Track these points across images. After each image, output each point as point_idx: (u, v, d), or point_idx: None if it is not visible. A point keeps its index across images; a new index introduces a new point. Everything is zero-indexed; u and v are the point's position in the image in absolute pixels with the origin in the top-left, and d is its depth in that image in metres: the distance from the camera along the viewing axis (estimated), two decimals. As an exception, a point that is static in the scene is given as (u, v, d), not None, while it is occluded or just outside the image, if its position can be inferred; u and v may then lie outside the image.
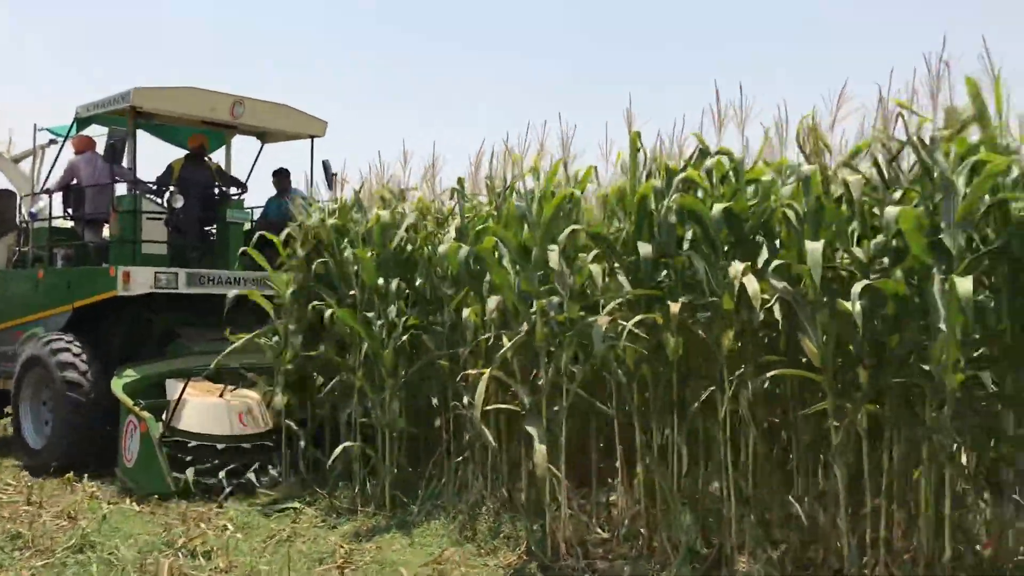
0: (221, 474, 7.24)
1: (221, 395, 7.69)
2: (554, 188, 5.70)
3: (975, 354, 4.61)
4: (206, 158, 9.70)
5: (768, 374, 4.85)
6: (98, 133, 9.44)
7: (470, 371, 5.91)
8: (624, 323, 5.15)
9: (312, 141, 9.70)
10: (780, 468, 5.43)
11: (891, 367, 4.60)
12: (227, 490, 7.09)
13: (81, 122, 9.23)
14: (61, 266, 9.26)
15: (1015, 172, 4.32)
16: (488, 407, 6.01)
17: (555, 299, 5.64)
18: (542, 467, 5.35)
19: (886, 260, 4.60)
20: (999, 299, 4.36)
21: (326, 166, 9.70)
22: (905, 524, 4.68)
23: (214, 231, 9.50)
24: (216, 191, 9.64)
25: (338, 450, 6.74)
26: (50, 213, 9.62)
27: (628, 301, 5.42)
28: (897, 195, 4.63)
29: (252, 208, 9.93)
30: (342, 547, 5.65)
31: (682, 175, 5.21)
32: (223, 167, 10.12)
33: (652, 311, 5.31)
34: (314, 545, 5.79)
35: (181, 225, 8.99)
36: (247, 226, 9.50)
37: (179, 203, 8.68)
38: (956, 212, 4.14)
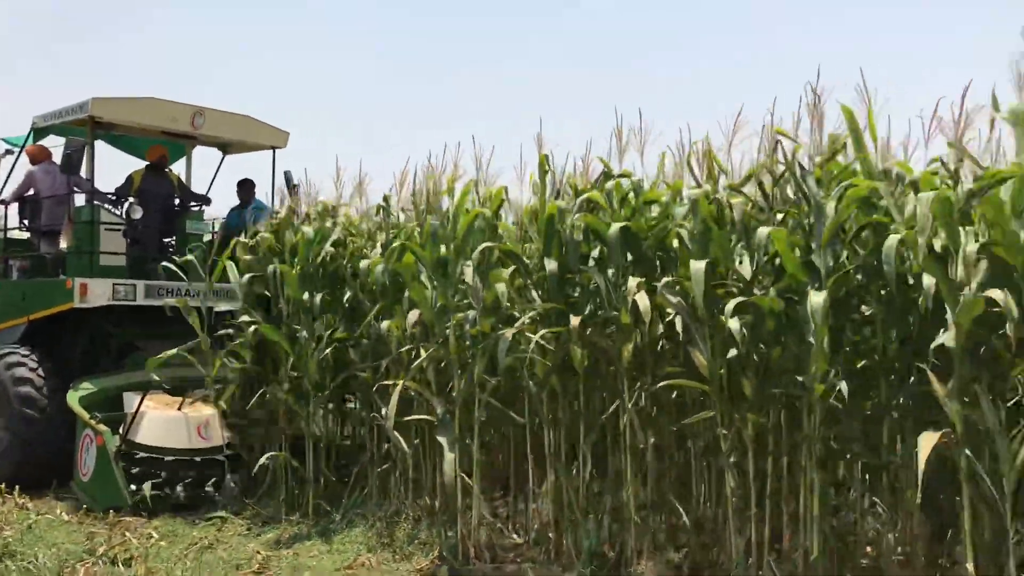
0: (179, 488, 7.19)
1: (180, 408, 7.62)
2: (468, 207, 5.94)
3: (859, 366, 4.95)
4: (167, 169, 9.64)
5: (658, 384, 5.12)
6: (56, 143, 9.33)
7: (386, 382, 6.12)
8: (531, 336, 5.43)
9: (274, 152, 9.69)
10: (685, 473, 5.73)
11: (774, 379, 4.91)
12: (146, 499, 7.00)
13: (39, 132, 9.17)
14: (17, 278, 9.20)
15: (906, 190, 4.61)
16: (409, 418, 6.25)
17: (471, 313, 5.88)
18: (450, 475, 5.58)
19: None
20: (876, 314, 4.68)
21: (288, 177, 9.55)
22: (792, 527, 4.98)
23: (174, 242, 9.41)
24: (177, 203, 9.55)
25: (263, 459, 6.90)
26: (5, 224, 9.55)
27: (541, 315, 5.69)
28: (779, 217, 4.94)
29: (213, 220, 9.87)
30: (259, 553, 5.83)
31: (584, 196, 5.48)
32: (184, 178, 10.03)
33: (560, 325, 5.57)
34: (234, 552, 5.96)
35: (140, 236, 8.94)
36: (207, 237, 9.46)
37: (138, 214, 8.63)
38: (824, 233, 4.45)
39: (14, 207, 9.59)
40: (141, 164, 9.58)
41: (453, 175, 6.04)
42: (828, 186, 4.74)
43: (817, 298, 4.17)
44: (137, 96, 8.67)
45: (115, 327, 8.62)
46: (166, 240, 9.41)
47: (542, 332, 5.38)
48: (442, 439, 5.70)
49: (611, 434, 5.72)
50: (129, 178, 9.20)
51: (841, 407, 4.74)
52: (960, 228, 4.08)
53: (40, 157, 9.44)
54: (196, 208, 9.81)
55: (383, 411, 6.09)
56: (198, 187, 10.25)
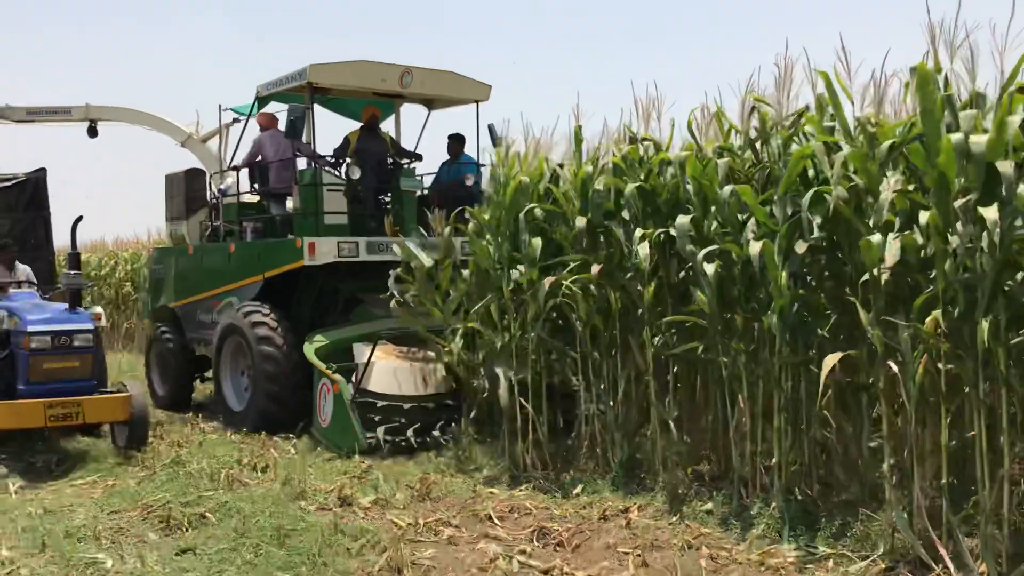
0: (409, 432, 7.69)
1: (406, 357, 8.05)
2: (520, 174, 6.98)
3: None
4: (378, 128, 10.07)
5: (663, 320, 6.01)
6: (277, 109, 10.11)
7: (456, 325, 7.31)
8: (564, 282, 6.45)
9: (477, 105, 10.00)
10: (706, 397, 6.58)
11: (760, 313, 5.67)
12: (385, 447, 7.57)
13: (262, 100, 9.88)
14: (251, 239, 9.89)
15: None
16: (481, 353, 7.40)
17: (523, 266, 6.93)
18: (505, 399, 6.73)
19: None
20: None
21: (492, 130, 9.87)
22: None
23: (389, 199, 9.77)
24: (390, 160, 9.94)
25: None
26: (238, 189, 10.41)
27: (581, 264, 6.66)
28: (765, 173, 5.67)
29: (423, 175, 10.22)
30: (363, 463, 7.22)
31: (606, 160, 6.39)
32: (394, 135, 10.53)
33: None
34: (347, 464, 7.37)
35: (359, 195, 9.41)
36: (420, 193, 9.81)
37: (356, 174, 9.09)
38: (780, 187, 5.18)
39: (245, 172, 10.41)
40: (352, 125, 10.06)
41: (508, 149, 7.08)
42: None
43: (755, 247, 4.93)
44: (350, 60, 9.15)
45: (340, 283, 9.24)
46: (381, 198, 9.82)
47: (572, 279, 6.38)
48: (497, 369, 6.85)
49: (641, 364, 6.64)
50: (346, 139, 9.71)
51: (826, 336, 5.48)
52: (884, 178, 4.72)
53: (268, 124, 10.22)
54: (407, 165, 10.13)
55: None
56: (407, 144, 10.63)
